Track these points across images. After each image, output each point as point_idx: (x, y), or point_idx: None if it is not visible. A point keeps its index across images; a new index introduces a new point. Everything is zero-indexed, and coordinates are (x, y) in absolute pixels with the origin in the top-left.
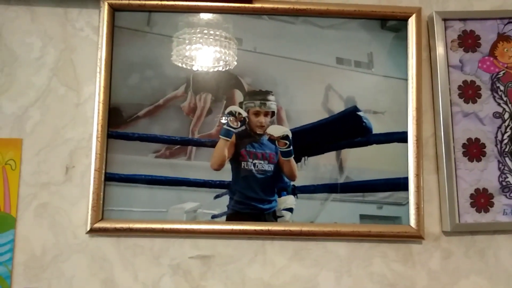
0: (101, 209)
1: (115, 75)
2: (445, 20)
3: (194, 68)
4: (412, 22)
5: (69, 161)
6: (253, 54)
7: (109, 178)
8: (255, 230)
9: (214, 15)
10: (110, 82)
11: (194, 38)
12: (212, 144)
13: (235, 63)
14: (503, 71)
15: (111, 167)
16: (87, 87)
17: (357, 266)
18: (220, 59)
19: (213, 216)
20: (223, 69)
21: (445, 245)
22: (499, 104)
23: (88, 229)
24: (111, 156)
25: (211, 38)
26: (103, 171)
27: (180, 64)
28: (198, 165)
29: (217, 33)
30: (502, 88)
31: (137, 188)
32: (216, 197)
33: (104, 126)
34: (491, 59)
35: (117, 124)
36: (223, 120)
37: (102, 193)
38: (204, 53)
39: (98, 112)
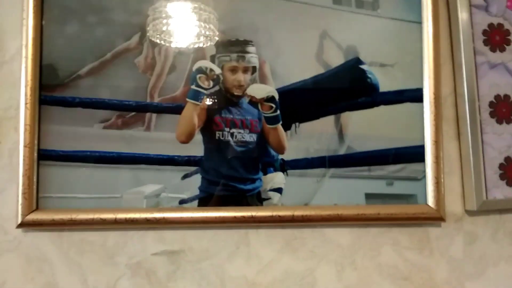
0: (34, 197)
1: (48, 23)
2: None
3: (173, 46)
4: None
5: None
6: None
7: (44, 156)
8: (235, 217)
9: None
10: (41, 33)
11: (171, 11)
12: (178, 110)
13: (217, 38)
14: None
15: (46, 142)
16: (13, 41)
17: (362, 257)
18: (200, 35)
19: (181, 201)
20: (204, 45)
21: (469, 228)
22: None
23: (19, 222)
24: (45, 128)
25: (190, 11)
26: (36, 148)
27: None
28: (160, 137)
29: (196, 5)
30: None
31: (81, 168)
32: (185, 177)
33: (35, 89)
34: None
35: (52, 86)
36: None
37: (35, 176)
38: (182, 28)
39: (26, 72)
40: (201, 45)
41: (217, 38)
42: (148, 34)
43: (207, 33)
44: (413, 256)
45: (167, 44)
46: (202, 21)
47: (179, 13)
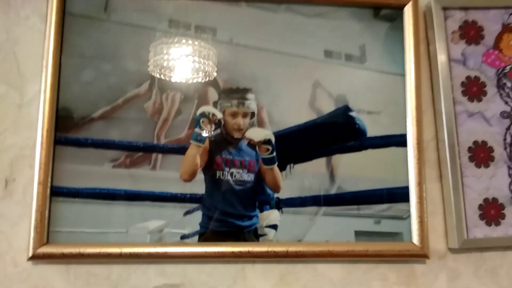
0: (46, 231)
1: (65, 70)
2: (444, 9)
3: (173, 80)
4: (408, 11)
5: (9, 172)
6: (229, 46)
7: (56, 192)
8: (233, 252)
9: (183, 1)
10: (59, 79)
11: (172, 47)
12: (182, 151)
13: (215, 74)
14: (510, 66)
15: (58, 180)
16: (32, 86)
17: None
18: (199, 70)
19: (183, 237)
20: (203, 81)
21: (452, 264)
22: (506, 102)
23: (30, 255)
24: (59, 167)
25: (190, 47)
26: (49, 185)
27: (153, 74)
28: (165, 176)
29: (196, 42)
30: (509, 84)
31: (90, 204)
32: (186, 213)
33: (50, 130)
34: (496, 52)
35: (67, 128)
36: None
37: (47, 211)
38: (182, 63)
39: (44, 114)
40: (200, 80)
41: (215, 74)
42: (148, 69)
43: (206, 68)
44: None
45: (167, 79)
46: (201, 57)
47: (179, 50)
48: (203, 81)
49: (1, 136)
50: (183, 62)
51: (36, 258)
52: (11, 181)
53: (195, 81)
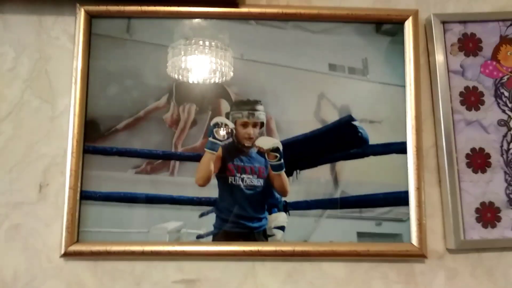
0: (76, 231)
1: (92, 85)
2: (443, 22)
3: (190, 80)
4: (408, 25)
5: (43, 178)
6: (240, 61)
7: (85, 196)
8: (244, 250)
9: (197, 20)
10: (87, 94)
11: (189, 49)
12: (197, 158)
13: (232, 74)
14: (507, 76)
15: (87, 185)
16: (63, 99)
17: None
18: (216, 71)
19: (198, 236)
20: (219, 81)
21: (450, 264)
22: (503, 111)
23: (63, 252)
24: (87, 173)
25: (207, 49)
26: (79, 189)
27: (171, 74)
28: (182, 181)
29: (213, 43)
30: (506, 94)
31: (116, 207)
32: (202, 215)
33: (80, 140)
34: (494, 63)
35: (94, 138)
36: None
37: (77, 213)
38: (199, 64)
39: (73, 126)
40: (216, 80)
41: (231, 74)
42: (167, 70)
43: (223, 69)
44: None
45: (185, 80)
46: (218, 58)
47: (196, 51)
48: (219, 80)
49: (35, 146)
50: (200, 63)
51: (67, 255)
52: (45, 186)
53: (212, 81)
